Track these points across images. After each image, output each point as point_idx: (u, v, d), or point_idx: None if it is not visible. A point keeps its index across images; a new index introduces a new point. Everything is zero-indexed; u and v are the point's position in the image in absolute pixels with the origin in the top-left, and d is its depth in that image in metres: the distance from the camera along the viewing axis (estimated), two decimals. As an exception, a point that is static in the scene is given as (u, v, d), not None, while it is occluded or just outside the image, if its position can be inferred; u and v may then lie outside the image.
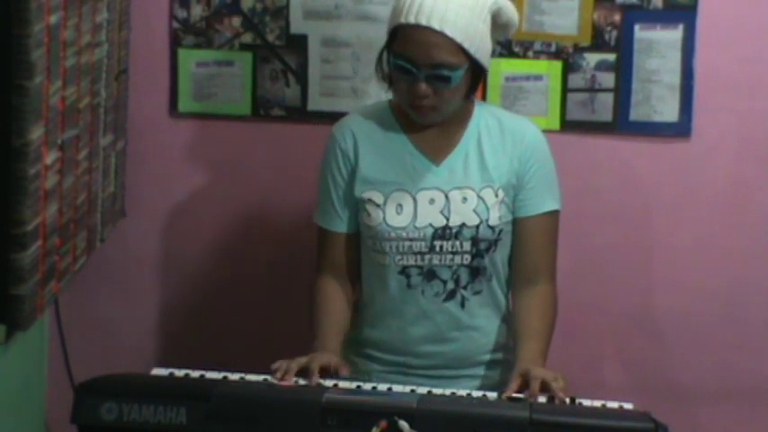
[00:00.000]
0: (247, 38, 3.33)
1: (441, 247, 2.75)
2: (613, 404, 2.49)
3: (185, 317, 3.47)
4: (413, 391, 2.53)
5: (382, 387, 2.55)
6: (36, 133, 2.52)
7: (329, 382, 2.55)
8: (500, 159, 2.77)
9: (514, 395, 2.51)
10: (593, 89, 3.30)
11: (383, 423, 2.31)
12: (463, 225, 2.75)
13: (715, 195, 3.35)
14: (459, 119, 2.77)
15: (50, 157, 2.64)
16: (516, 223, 2.79)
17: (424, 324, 2.79)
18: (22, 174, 2.50)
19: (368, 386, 2.55)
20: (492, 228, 2.75)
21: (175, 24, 3.33)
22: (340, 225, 2.82)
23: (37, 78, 2.49)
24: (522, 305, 2.78)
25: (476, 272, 2.77)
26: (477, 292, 2.79)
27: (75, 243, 2.88)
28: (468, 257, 2.76)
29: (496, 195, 2.76)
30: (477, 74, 2.72)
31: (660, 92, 3.29)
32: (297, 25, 3.31)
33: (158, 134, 3.39)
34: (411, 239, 2.75)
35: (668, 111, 3.30)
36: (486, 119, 2.80)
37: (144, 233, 3.44)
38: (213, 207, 3.42)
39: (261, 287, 3.41)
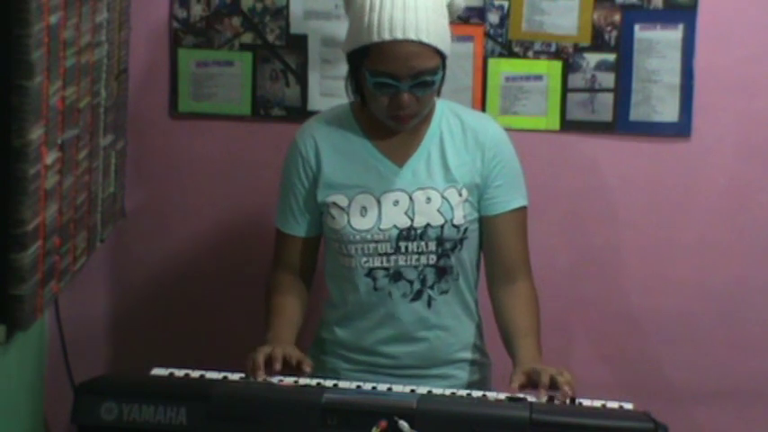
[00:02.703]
0: (247, 38, 3.33)
1: (406, 247, 2.76)
2: (613, 404, 2.49)
3: (185, 317, 3.47)
4: (413, 391, 2.53)
5: (382, 387, 2.55)
6: (36, 133, 2.52)
7: (329, 382, 2.56)
8: (463, 159, 2.78)
9: (515, 395, 2.51)
10: (593, 89, 3.30)
11: (383, 423, 2.31)
12: (428, 225, 2.75)
13: (715, 195, 3.35)
14: (421, 120, 2.78)
15: (50, 157, 2.63)
16: (486, 222, 2.80)
17: (392, 324, 2.80)
18: (22, 174, 2.50)
19: (368, 386, 2.55)
20: (457, 227, 2.76)
21: (175, 24, 3.33)
22: (297, 229, 2.84)
23: (37, 78, 2.49)
24: (506, 303, 2.79)
25: (442, 271, 2.78)
26: (443, 292, 2.80)
27: (75, 243, 2.88)
28: (433, 257, 2.76)
29: (460, 195, 2.76)
30: (445, 68, 2.73)
31: (660, 92, 3.29)
32: (297, 25, 3.31)
33: (158, 134, 3.39)
34: (376, 241, 2.76)
35: (668, 111, 3.30)
36: (447, 118, 2.81)
37: (144, 233, 3.44)
38: (213, 207, 3.42)
39: (261, 287, 3.41)
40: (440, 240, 2.76)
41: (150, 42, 3.34)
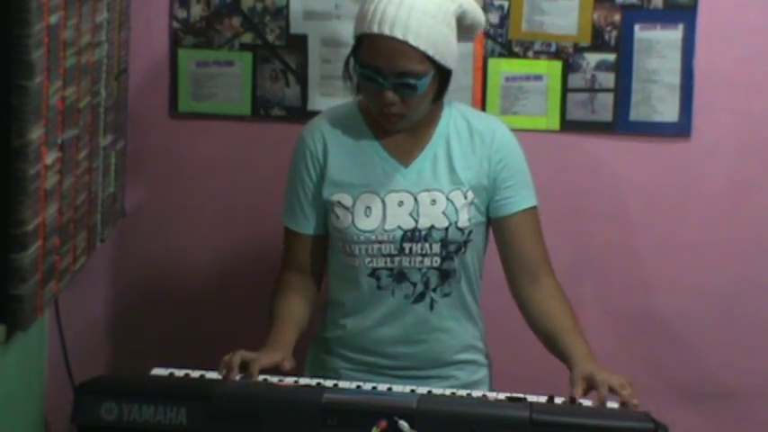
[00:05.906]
0: (247, 38, 3.33)
1: (410, 249, 2.75)
2: (613, 404, 2.49)
3: (185, 317, 3.47)
4: (413, 391, 2.53)
5: (382, 387, 2.55)
6: (36, 133, 2.52)
7: (329, 382, 2.56)
8: (469, 161, 2.77)
9: (515, 395, 2.51)
10: (593, 89, 3.30)
11: (383, 423, 2.31)
12: (432, 227, 2.75)
13: (715, 195, 3.35)
14: (428, 121, 2.77)
15: (50, 157, 2.63)
16: (500, 223, 2.79)
17: (393, 325, 2.79)
18: (22, 174, 2.50)
19: (368, 386, 2.56)
20: (461, 230, 2.76)
21: (175, 24, 3.33)
22: (306, 227, 2.82)
23: (37, 78, 2.49)
24: (538, 302, 2.77)
25: (445, 274, 2.77)
26: (446, 295, 2.79)
27: (75, 243, 2.88)
28: (437, 260, 2.76)
29: (465, 197, 2.76)
30: (445, 78, 2.71)
31: (660, 92, 3.29)
32: (297, 25, 3.31)
33: (158, 134, 3.40)
34: (380, 242, 2.75)
35: (668, 111, 3.30)
36: (455, 120, 2.80)
37: (144, 233, 3.44)
38: (213, 207, 3.43)
39: (261, 287, 3.41)
40: (444, 243, 2.75)
41: (150, 42, 3.34)
